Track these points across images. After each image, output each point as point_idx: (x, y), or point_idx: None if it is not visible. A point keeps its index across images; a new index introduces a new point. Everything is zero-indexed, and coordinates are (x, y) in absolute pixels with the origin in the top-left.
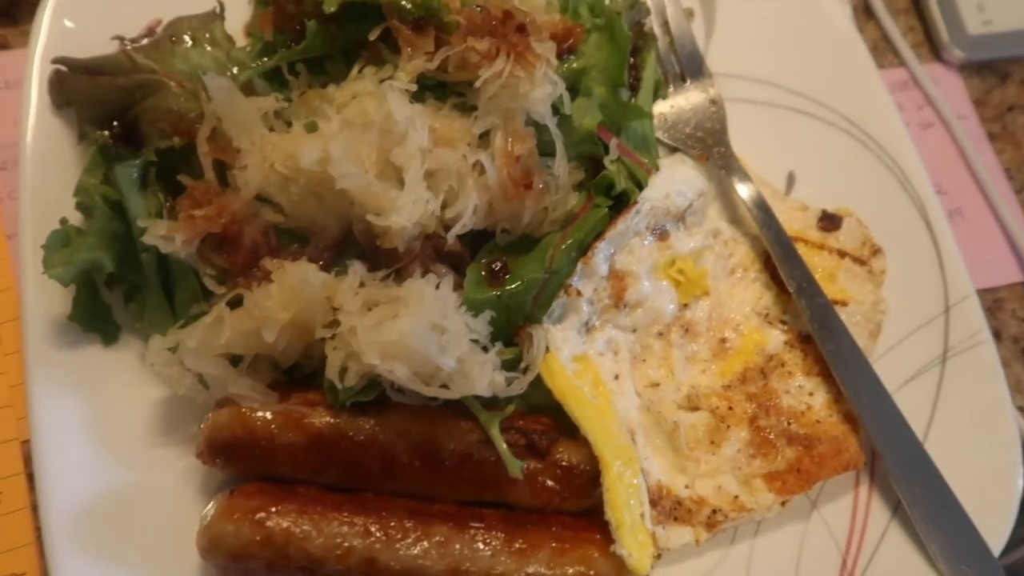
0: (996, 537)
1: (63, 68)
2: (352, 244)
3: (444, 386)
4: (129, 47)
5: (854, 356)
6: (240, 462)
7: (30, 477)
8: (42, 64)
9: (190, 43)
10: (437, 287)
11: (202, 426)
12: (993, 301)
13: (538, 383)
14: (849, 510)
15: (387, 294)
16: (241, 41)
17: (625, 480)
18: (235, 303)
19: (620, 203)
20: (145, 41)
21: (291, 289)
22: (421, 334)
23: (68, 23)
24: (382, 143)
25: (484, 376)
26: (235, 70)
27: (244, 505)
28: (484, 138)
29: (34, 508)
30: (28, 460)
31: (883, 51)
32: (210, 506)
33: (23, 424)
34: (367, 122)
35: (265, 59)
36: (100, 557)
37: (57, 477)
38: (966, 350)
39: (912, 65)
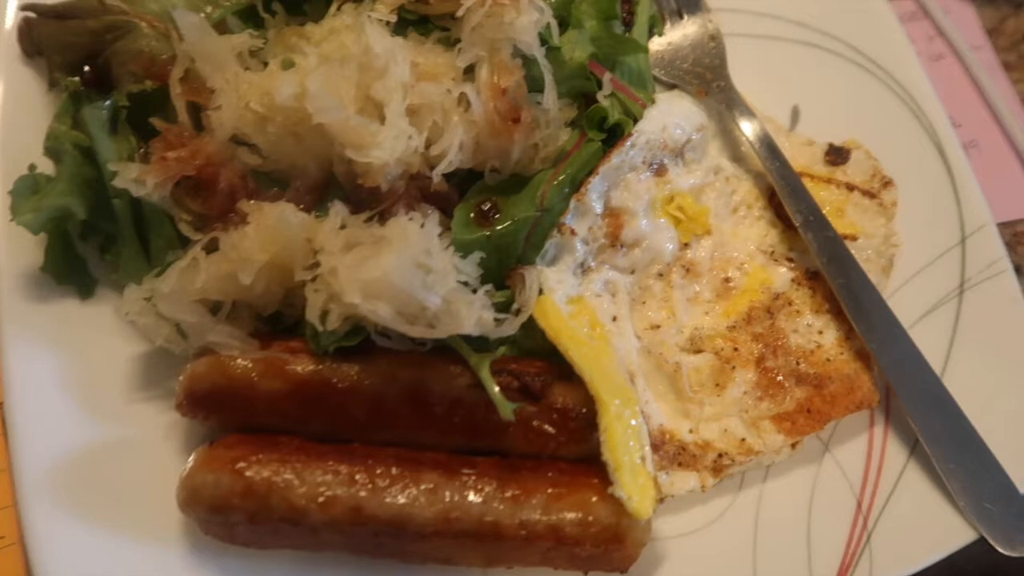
0: (1020, 472)
1: (32, 14)
2: (334, 188)
3: (430, 326)
4: None
5: (865, 290)
6: (221, 413)
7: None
8: (14, 16)
9: None
10: (422, 226)
11: (181, 377)
12: (1012, 235)
13: (532, 329)
14: (864, 451)
15: (370, 234)
16: None
17: (624, 420)
18: (212, 248)
19: (614, 138)
20: None
21: (268, 229)
22: (404, 271)
23: None
24: (362, 78)
25: (472, 314)
26: (208, 9)
27: (224, 455)
28: (469, 73)
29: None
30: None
31: None
32: (190, 459)
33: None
34: (345, 56)
35: None
36: (78, 516)
37: (32, 435)
38: (984, 280)
39: None
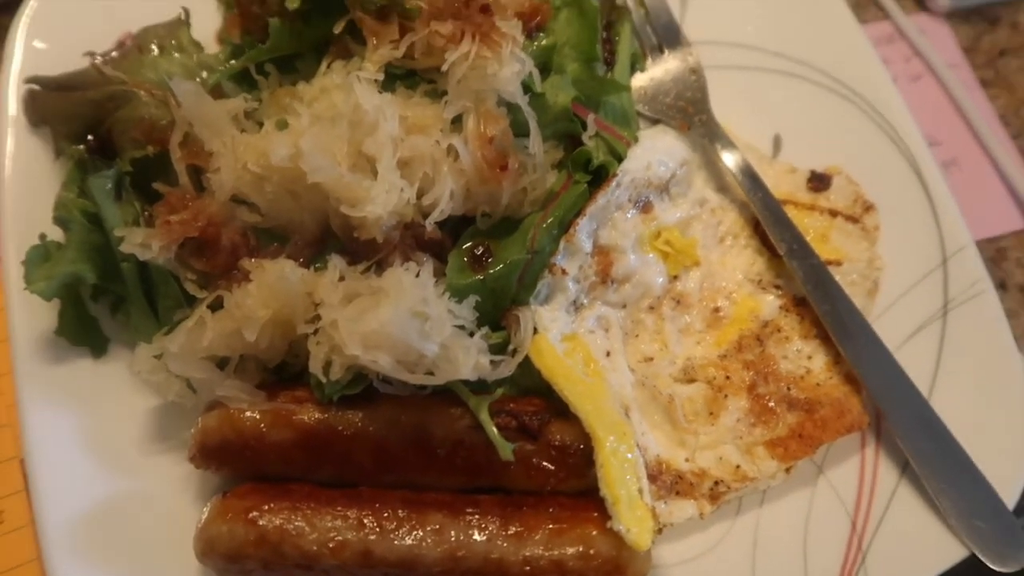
0: (1009, 489)
1: (36, 87)
2: (332, 240)
3: (429, 373)
4: (99, 61)
5: (851, 316)
6: (233, 464)
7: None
8: (17, 86)
9: (157, 51)
10: (417, 275)
11: (193, 431)
12: (996, 251)
13: (529, 367)
14: (856, 472)
15: (367, 285)
16: (214, 50)
17: (620, 455)
18: (217, 306)
19: (600, 178)
20: (114, 54)
21: (270, 286)
22: (402, 322)
23: (40, 44)
24: (353, 135)
25: (469, 360)
26: (204, 74)
27: (237, 506)
28: (457, 123)
29: None
30: None
31: (866, 5)
32: (205, 510)
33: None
34: (336, 115)
35: (233, 62)
36: (100, 568)
37: (53, 490)
38: (967, 300)
39: (896, 17)
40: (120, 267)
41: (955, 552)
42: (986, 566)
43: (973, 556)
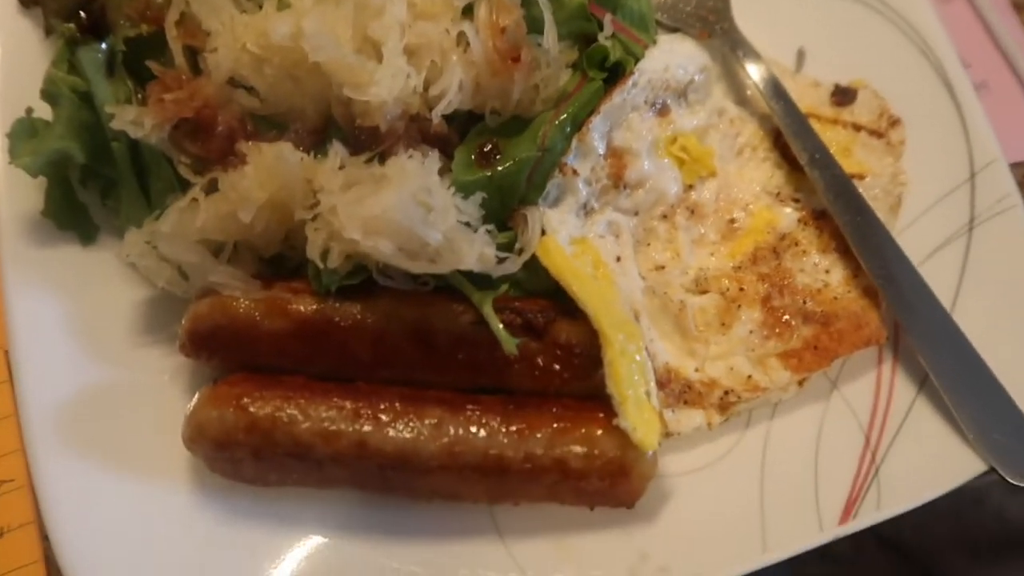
0: None
1: None
2: (334, 131)
3: (432, 262)
4: None
5: (873, 227)
6: (224, 352)
7: None
8: None
9: None
10: (423, 164)
11: (183, 318)
12: (1022, 176)
13: (535, 271)
14: (872, 388)
15: (369, 173)
16: None
17: (628, 354)
18: (212, 189)
19: (615, 77)
20: None
21: (267, 168)
22: (405, 207)
23: None
24: (358, 17)
25: (473, 250)
26: None
27: (228, 392)
28: (468, 12)
29: None
30: None
31: None
32: (195, 397)
33: None
34: None
35: None
36: (85, 458)
37: (38, 380)
38: (994, 216)
39: None
40: (110, 146)
41: (973, 466)
42: (1005, 481)
43: (991, 470)
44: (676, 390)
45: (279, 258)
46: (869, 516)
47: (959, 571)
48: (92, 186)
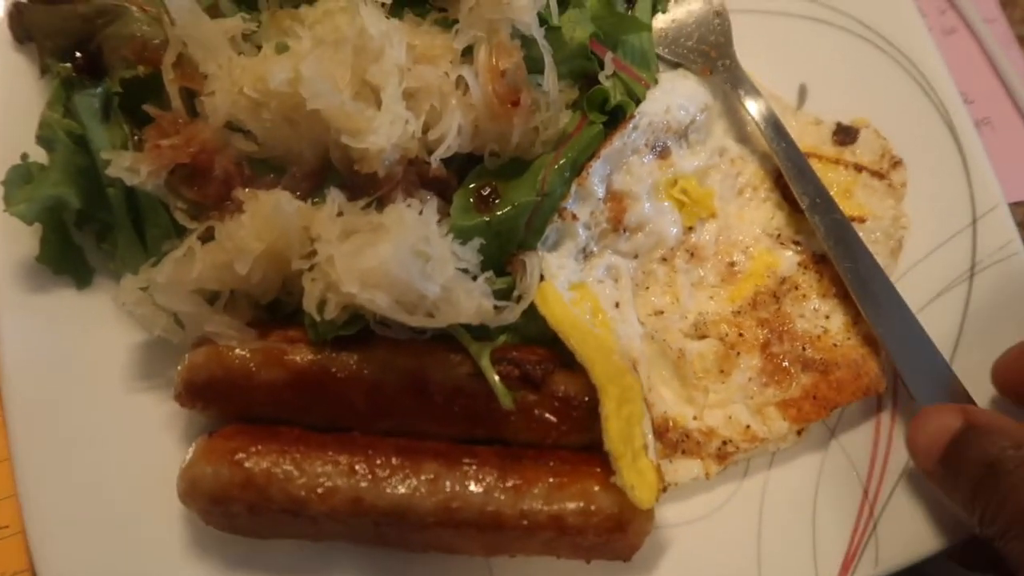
0: None
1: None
2: (332, 174)
3: (429, 315)
4: None
5: (873, 274)
6: (220, 403)
7: None
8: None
9: None
10: (420, 213)
11: (179, 367)
12: None
13: (534, 316)
14: (871, 438)
15: (367, 221)
16: None
17: (626, 408)
18: (208, 237)
19: (616, 120)
20: None
21: (264, 218)
22: (402, 259)
23: None
24: (357, 61)
25: (471, 303)
26: None
27: (223, 446)
28: (467, 55)
29: None
30: None
31: None
32: (190, 450)
33: None
34: (340, 39)
35: None
36: (79, 505)
37: (32, 425)
38: (995, 263)
39: None
40: (106, 192)
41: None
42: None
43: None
44: (674, 439)
45: (276, 303)
46: (867, 571)
47: None
48: (88, 229)
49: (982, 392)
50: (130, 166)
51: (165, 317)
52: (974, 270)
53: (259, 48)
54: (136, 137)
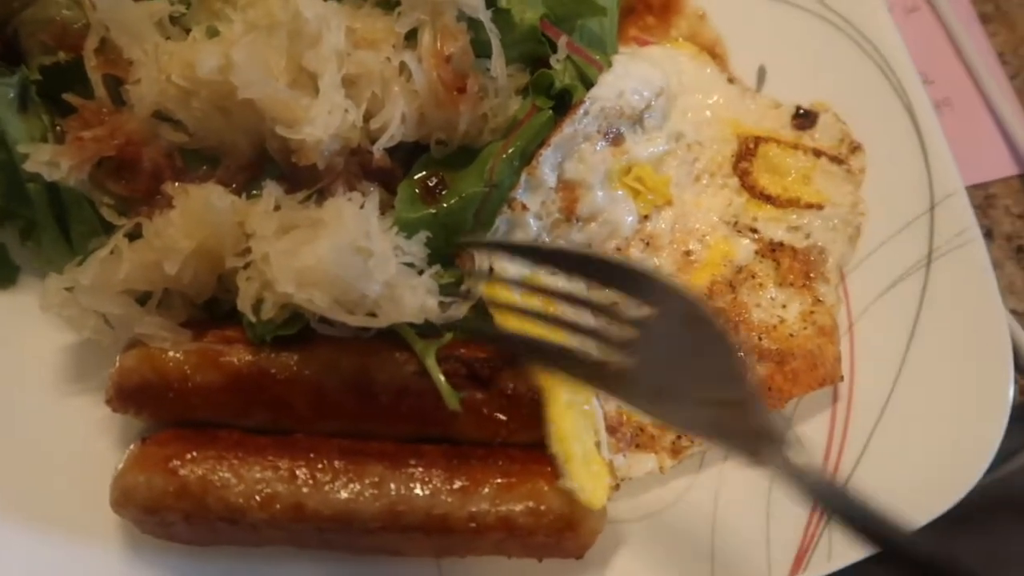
0: (985, 447)
1: None
2: (270, 166)
3: (371, 314)
4: None
5: None
6: (154, 407)
7: None
8: None
9: None
10: (361, 207)
11: (110, 371)
12: (984, 198)
13: (483, 311)
14: (826, 428)
15: (305, 216)
16: None
17: (576, 407)
18: (136, 235)
19: (566, 105)
20: None
21: (195, 214)
22: (341, 257)
23: None
24: (292, 47)
25: (415, 301)
26: None
27: (157, 453)
28: (411, 39)
29: None
30: None
31: None
32: (123, 458)
33: None
34: (274, 24)
35: None
36: (9, 516)
37: None
38: (953, 250)
39: None
40: (26, 188)
41: (928, 510)
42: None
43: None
44: (628, 434)
45: (214, 301)
46: (820, 567)
47: None
48: (10, 225)
49: (938, 379)
50: (50, 160)
51: (94, 318)
52: (931, 257)
53: (188, 32)
54: (57, 128)
